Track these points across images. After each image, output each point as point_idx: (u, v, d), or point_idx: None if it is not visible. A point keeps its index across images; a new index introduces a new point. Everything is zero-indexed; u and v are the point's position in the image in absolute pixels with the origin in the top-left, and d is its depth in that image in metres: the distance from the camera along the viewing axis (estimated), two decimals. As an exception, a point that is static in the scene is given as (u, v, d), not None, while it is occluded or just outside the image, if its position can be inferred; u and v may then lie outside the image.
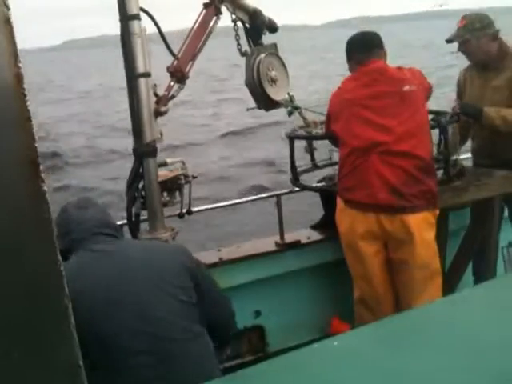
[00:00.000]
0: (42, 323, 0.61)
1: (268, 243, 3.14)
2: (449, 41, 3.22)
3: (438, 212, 2.64)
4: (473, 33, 3.11)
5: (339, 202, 2.73)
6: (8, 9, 0.49)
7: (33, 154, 0.52)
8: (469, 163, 3.39)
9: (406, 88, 2.59)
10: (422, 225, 2.56)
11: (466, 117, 3.08)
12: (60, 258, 0.57)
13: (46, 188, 0.54)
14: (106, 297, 1.62)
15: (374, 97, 2.63)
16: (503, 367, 1.24)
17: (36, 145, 0.52)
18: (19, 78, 0.51)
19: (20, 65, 0.51)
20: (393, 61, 2.85)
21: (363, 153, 2.58)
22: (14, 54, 0.50)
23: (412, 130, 2.57)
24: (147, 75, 2.38)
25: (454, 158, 2.87)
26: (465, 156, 3.33)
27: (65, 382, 0.63)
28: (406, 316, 1.78)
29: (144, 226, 2.56)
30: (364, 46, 2.78)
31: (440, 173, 2.82)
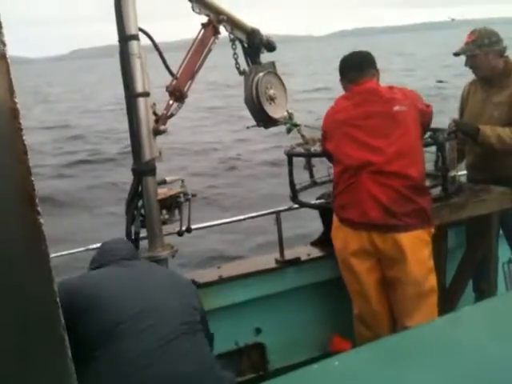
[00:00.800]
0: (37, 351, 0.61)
1: (268, 260, 3.14)
2: (456, 54, 3.25)
3: (433, 230, 2.64)
4: (481, 48, 3.14)
5: (335, 220, 2.76)
6: (4, 45, 0.50)
7: (29, 188, 0.53)
8: (464, 179, 3.40)
9: (397, 108, 2.61)
10: (415, 243, 2.57)
11: (462, 134, 3.10)
12: (56, 289, 0.58)
13: (42, 220, 0.55)
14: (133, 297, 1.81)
15: (365, 117, 2.65)
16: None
17: (32, 178, 0.53)
18: (15, 113, 0.52)
19: (16, 100, 0.52)
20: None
21: (355, 172, 2.61)
22: (10, 89, 0.51)
23: (402, 150, 2.58)
24: (146, 95, 2.40)
25: (452, 174, 2.88)
26: (461, 172, 3.34)
27: None
28: (405, 336, 1.78)
29: (144, 244, 2.56)
30: (356, 66, 2.81)
31: (438, 189, 2.83)
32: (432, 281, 2.66)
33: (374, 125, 2.63)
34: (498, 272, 3.59)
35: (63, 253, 2.83)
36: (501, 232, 3.33)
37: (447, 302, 2.85)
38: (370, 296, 2.72)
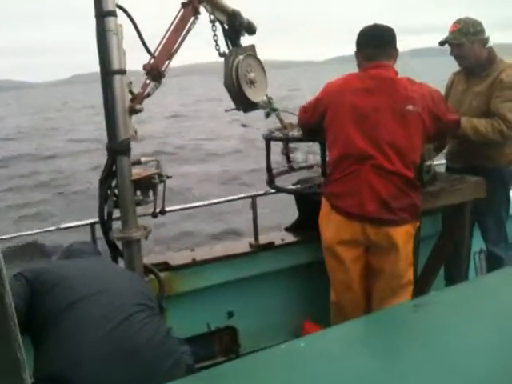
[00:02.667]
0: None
1: (242, 244, 3.14)
2: (442, 43, 3.25)
3: (418, 224, 2.67)
4: (467, 36, 3.15)
5: (325, 205, 2.70)
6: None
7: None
8: (443, 168, 3.44)
9: (409, 107, 2.53)
10: (404, 237, 2.59)
11: None
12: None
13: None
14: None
15: (375, 108, 2.56)
16: (468, 369, 1.25)
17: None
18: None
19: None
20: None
21: (356, 161, 2.56)
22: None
23: (404, 151, 2.55)
24: (122, 72, 2.35)
25: (428, 163, 2.90)
26: (437, 162, 3.37)
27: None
28: (371, 318, 1.79)
29: (116, 225, 2.53)
30: (375, 42, 2.66)
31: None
32: (410, 274, 2.71)
33: (382, 119, 2.55)
34: (470, 261, 3.65)
35: (37, 231, 2.80)
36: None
37: (418, 289, 2.88)
38: (353, 284, 2.72)
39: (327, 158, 2.82)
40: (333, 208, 2.64)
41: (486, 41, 3.22)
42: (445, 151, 3.43)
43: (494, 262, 3.45)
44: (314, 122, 2.77)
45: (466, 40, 3.15)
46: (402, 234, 2.58)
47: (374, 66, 2.64)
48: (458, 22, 3.21)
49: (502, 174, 3.28)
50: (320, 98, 2.74)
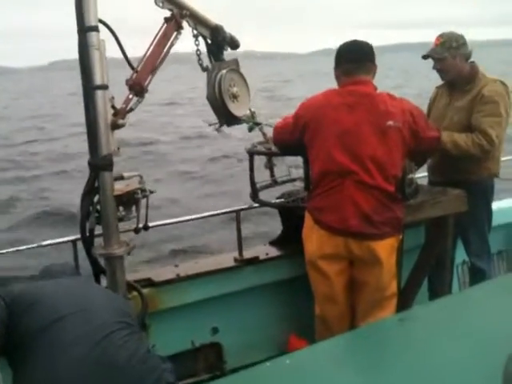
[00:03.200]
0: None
1: (226, 259, 3.12)
2: (425, 57, 3.28)
3: (401, 236, 2.69)
4: (450, 51, 3.18)
5: (308, 220, 2.71)
6: None
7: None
8: (424, 181, 3.47)
9: (390, 123, 2.54)
10: (387, 250, 2.61)
11: None
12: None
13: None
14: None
15: (357, 124, 2.56)
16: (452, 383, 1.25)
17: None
18: None
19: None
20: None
21: (338, 176, 2.58)
22: None
23: (386, 167, 2.57)
24: (104, 87, 2.34)
25: (410, 176, 2.92)
26: (420, 175, 3.40)
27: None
28: (357, 334, 1.79)
29: (99, 241, 2.50)
30: (354, 57, 2.68)
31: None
32: (394, 286, 2.72)
33: (363, 134, 2.56)
34: (453, 274, 3.68)
35: (18, 248, 2.76)
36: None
37: (402, 301, 2.89)
38: (337, 298, 2.72)
39: (310, 173, 2.82)
40: (316, 222, 2.65)
41: (468, 55, 3.26)
42: (426, 165, 3.46)
43: (476, 274, 3.48)
44: (294, 140, 2.75)
45: (448, 54, 3.18)
46: (385, 248, 2.59)
47: (353, 82, 2.66)
48: (441, 35, 3.25)
49: (483, 187, 3.32)
50: (300, 115, 2.74)
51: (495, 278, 3.09)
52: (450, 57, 3.19)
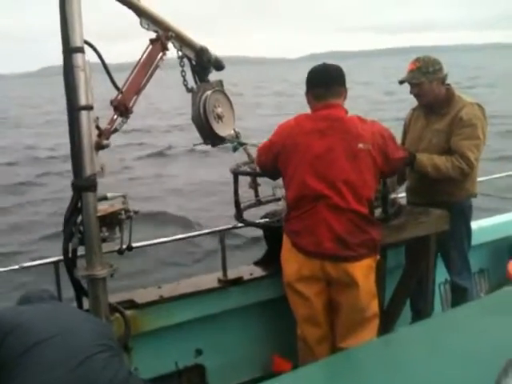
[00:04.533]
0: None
1: (211, 279, 3.10)
2: (402, 82, 3.32)
3: (378, 257, 2.70)
4: (426, 75, 3.22)
5: (286, 242, 2.73)
6: None
7: None
8: (404, 201, 3.50)
9: (361, 146, 2.58)
10: (364, 271, 2.62)
11: None
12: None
13: None
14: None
15: (329, 149, 2.59)
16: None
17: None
18: None
19: None
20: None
21: (312, 200, 2.60)
22: None
23: (357, 188, 2.59)
24: (89, 108, 2.34)
25: (392, 196, 2.96)
26: (401, 195, 3.44)
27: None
28: (343, 357, 1.79)
29: (81, 263, 2.47)
30: (324, 81, 2.71)
31: (378, 211, 2.89)
32: (375, 306, 2.72)
33: (335, 158, 2.59)
34: (435, 292, 3.71)
35: None
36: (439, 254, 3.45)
37: (385, 321, 2.90)
38: (317, 319, 2.73)
39: (285, 197, 2.85)
40: (293, 245, 2.68)
41: (444, 78, 3.31)
42: (405, 186, 3.50)
43: (458, 293, 3.51)
44: (270, 164, 2.80)
45: (425, 79, 3.23)
46: (362, 269, 2.60)
47: (324, 107, 2.69)
48: (417, 60, 3.29)
49: (462, 208, 3.37)
50: (273, 141, 2.77)
51: (477, 299, 3.12)
52: (427, 81, 3.23)
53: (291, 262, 2.70)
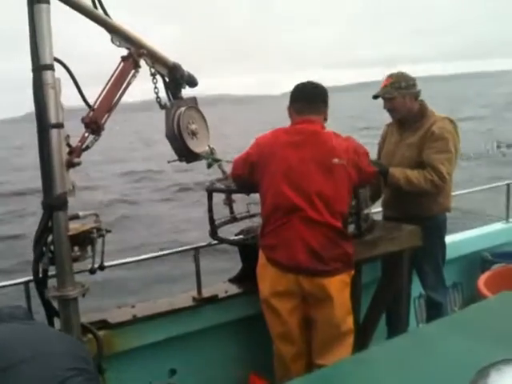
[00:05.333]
0: None
1: (185, 298, 3.06)
2: (375, 97, 3.38)
3: (353, 272, 2.70)
4: (399, 91, 3.29)
5: (261, 257, 2.73)
6: None
7: None
8: (379, 216, 3.53)
9: (335, 161, 2.60)
10: (339, 286, 2.62)
11: None
12: None
13: None
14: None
15: (302, 160, 2.62)
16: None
17: None
18: None
19: None
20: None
21: (287, 213, 2.60)
22: None
23: (331, 201, 2.60)
24: (59, 126, 2.31)
25: (366, 212, 2.98)
26: (375, 210, 3.46)
27: None
28: (317, 375, 1.78)
29: (52, 283, 2.42)
30: (306, 97, 2.77)
31: (351, 227, 2.90)
32: (350, 322, 2.71)
33: (309, 171, 2.61)
34: (410, 307, 3.73)
35: None
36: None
37: (361, 336, 2.90)
38: (292, 336, 2.71)
39: (261, 211, 2.85)
40: (268, 260, 2.67)
41: (417, 94, 3.38)
42: (381, 200, 3.54)
43: (433, 307, 3.54)
44: (246, 176, 2.81)
45: (397, 94, 3.30)
46: (336, 284, 2.60)
47: (301, 121, 2.75)
48: (391, 76, 3.36)
49: (436, 222, 3.41)
50: (251, 153, 2.80)
51: (451, 314, 3.14)
52: (400, 96, 3.30)
53: (266, 277, 2.69)
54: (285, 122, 2.90)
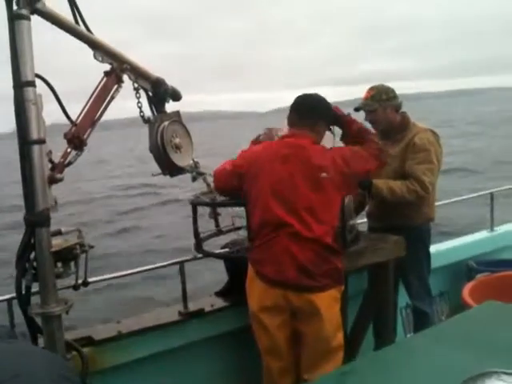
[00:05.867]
0: None
1: (171, 312, 3.04)
2: (357, 109, 3.40)
3: (343, 287, 2.68)
4: (380, 103, 3.32)
5: (250, 271, 2.70)
6: None
7: None
8: (364, 226, 3.55)
9: (323, 175, 2.58)
10: (328, 302, 2.59)
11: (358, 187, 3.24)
12: None
13: None
14: None
15: (291, 175, 2.60)
16: None
17: None
18: None
19: None
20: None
21: (275, 228, 2.58)
22: None
23: (322, 218, 2.58)
24: (41, 142, 2.29)
25: (351, 223, 2.98)
26: (360, 221, 3.48)
27: None
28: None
29: (35, 300, 2.39)
30: (298, 109, 2.76)
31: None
32: (340, 337, 2.68)
33: (297, 185, 2.59)
34: (397, 317, 3.74)
35: None
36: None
37: (348, 347, 2.90)
38: (280, 351, 2.69)
39: (250, 224, 2.82)
40: (256, 274, 2.65)
41: (398, 106, 3.42)
42: (365, 211, 3.55)
43: (419, 317, 3.55)
44: (231, 187, 2.81)
45: (378, 106, 3.33)
46: (325, 299, 2.58)
47: (291, 134, 2.74)
48: (372, 89, 3.40)
49: (420, 232, 3.44)
50: (238, 165, 2.79)
51: (437, 325, 3.15)
52: (381, 108, 3.34)
53: (254, 291, 2.67)
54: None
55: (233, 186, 2.80)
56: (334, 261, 2.62)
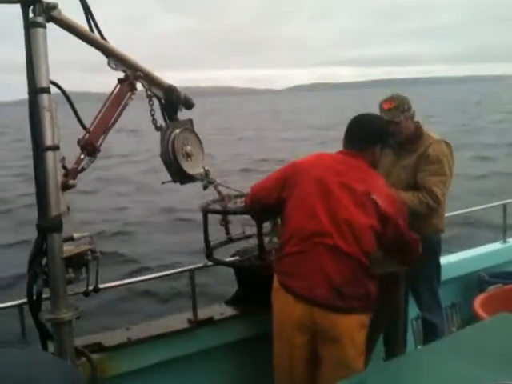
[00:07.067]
0: None
1: (180, 320, 3.04)
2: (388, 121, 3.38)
3: (371, 314, 2.57)
4: (404, 114, 3.31)
5: (275, 281, 2.59)
6: None
7: None
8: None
9: (374, 197, 2.52)
10: (354, 326, 2.47)
11: None
12: None
13: None
14: None
15: (340, 187, 2.54)
16: None
17: None
18: None
19: None
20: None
21: (308, 240, 2.49)
22: None
23: (359, 234, 2.49)
24: (55, 148, 2.31)
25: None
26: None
27: None
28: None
29: (47, 305, 2.40)
30: (349, 133, 2.75)
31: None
32: (361, 363, 2.53)
33: (344, 198, 2.52)
34: (408, 328, 3.70)
35: None
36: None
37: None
38: (295, 371, 2.56)
39: (282, 229, 2.75)
40: (281, 285, 2.54)
41: (414, 116, 3.41)
42: None
43: (429, 329, 3.52)
44: (268, 201, 2.71)
45: (403, 117, 3.31)
46: (352, 323, 2.46)
47: (346, 153, 2.71)
48: (392, 99, 3.35)
49: (430, 243, 3.40)
50: (285, 171, 2.73)
51: (447, 336, 3.12)
52: (404, 120, 3.31)
53: (279, 302, 2.56)
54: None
55: (271, 198, 2.69)
56: (369, 285, 2.51)
